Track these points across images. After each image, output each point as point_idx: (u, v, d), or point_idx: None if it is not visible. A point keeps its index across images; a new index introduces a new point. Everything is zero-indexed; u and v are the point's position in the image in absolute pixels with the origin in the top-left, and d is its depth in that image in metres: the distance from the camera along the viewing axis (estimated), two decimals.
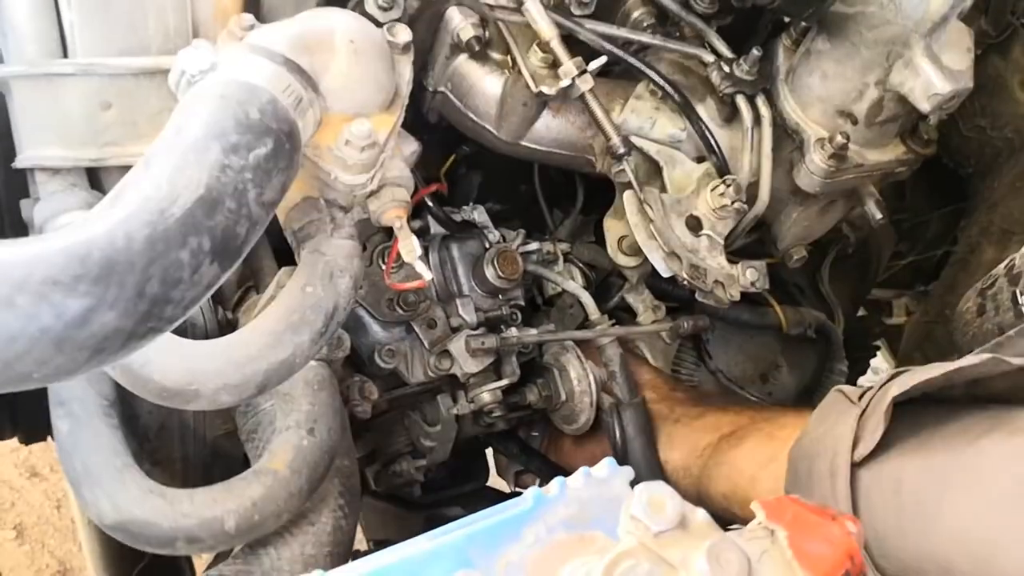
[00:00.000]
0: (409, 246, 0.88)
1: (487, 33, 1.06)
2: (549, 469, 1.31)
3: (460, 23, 1.04)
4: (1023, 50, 1.34)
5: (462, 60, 1.08)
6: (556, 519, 0.60)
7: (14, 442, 1.21)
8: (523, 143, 1.13)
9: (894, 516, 0.79)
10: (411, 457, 1.26)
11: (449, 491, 1.42)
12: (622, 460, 1.14)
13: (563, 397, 1.24)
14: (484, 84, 1.08)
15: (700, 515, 0.56)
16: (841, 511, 0.60)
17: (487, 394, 1.20)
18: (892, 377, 0.87)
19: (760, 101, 1.12)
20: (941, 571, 0.75)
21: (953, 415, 0.81)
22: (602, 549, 0.57)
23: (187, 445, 1.03)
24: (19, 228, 0.94)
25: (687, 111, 1.11)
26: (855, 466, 0.82)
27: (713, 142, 1.11)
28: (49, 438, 1.12)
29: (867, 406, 0.84)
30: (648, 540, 0.54)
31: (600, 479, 0.63)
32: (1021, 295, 1.02)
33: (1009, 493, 0.72)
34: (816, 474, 0.85)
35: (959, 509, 0.75)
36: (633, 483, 0.59)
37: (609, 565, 0.53)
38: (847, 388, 0.90)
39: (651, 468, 1.16)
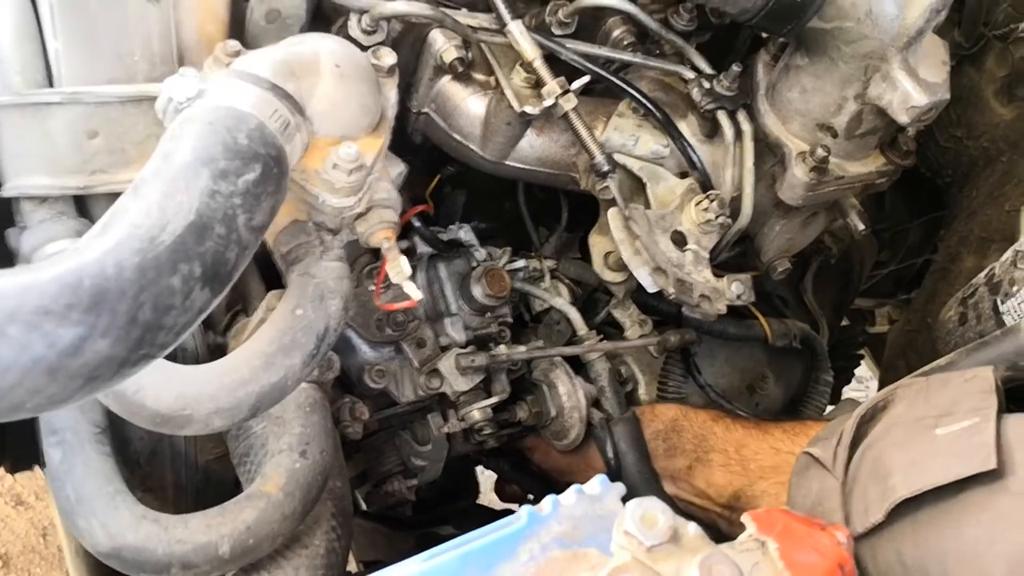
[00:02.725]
0: (398, 267, 0.89)
1: (470, 54, 1.07)
2: (540, 486, 1.31)
3: (443, 45, 1.05)
4: (996, 61, 1.36)
5: (446, 81, 1.09)
6: (550, 536, 0.61)
7: None
8: (507, 162, 1.13)
9: None
10: (402, 477, 1.26)
11: (439, 509, 1.42)
12: (615, 475, 1.15)
13: (553, 413, 1.25)
14: (468, 105, 1.09)
15: (692, 529, 0.57)
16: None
17: (477, 412, 1.21)
18: (862, 420, 0.87)
19: (741, 116, 1.13)
20: None
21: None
22: (596, 565, 0.58)
23: (179, 470, 1.03)
24: (3, 258, 0.94)
25: (669, 128, 1.12)
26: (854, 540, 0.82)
27: (695, 158, 1.12)
28: (36, 466, 1.12)
29: (845, 476, 0.84)
30: (641, 555, 0.55)
31: (592, 496, 0.63)
32: (1001, 304, 1.04)
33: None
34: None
35: None
36: (626, 498, 0.60)
37: None
38: (816, 451, 0.90)
39: (646, 481, 1.16)
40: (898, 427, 0.85)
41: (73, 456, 0.84)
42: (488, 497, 1.61)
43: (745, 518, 0.59)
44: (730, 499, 1.12)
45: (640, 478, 1.15)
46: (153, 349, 0.63)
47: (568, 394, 1.23)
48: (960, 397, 0.83)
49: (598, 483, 0.64)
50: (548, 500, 0.63)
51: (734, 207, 1.14)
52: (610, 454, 1.18)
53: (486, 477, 1.60)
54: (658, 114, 1.11)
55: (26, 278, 0.59)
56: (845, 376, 1.70)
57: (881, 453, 0.83)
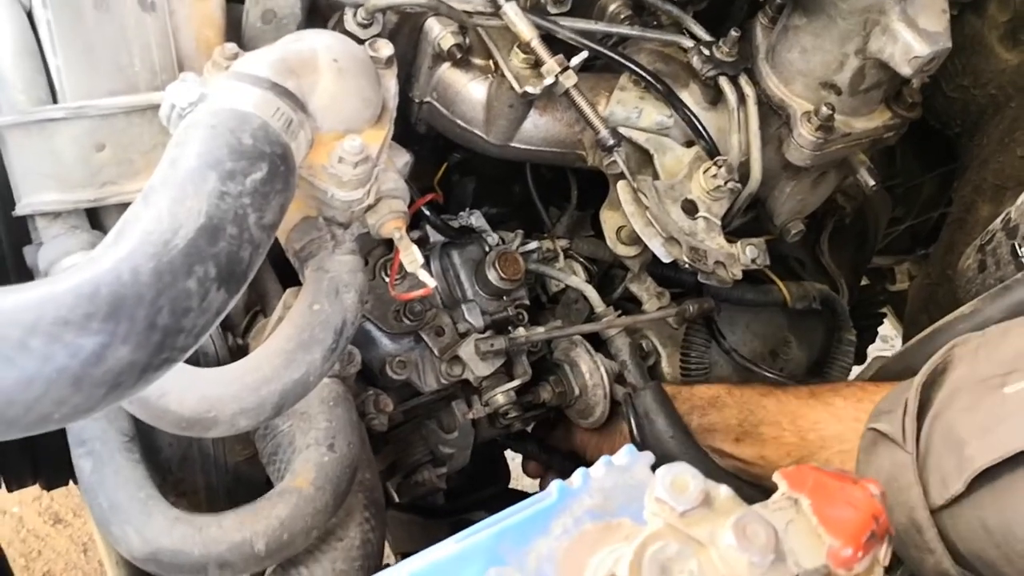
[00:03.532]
0: (411, 256, 0.89)
1: (467, 40, 1.06)
2: (570, 464, 1.31)
3: (440, 33, 1.05)
4: (998, 6, 1.34)
5: (445, 69, 1.09)
6: (582, 510, 0.61)
7: (36, 490, 1.22)
8: (513, 144, 1.13)
9: (993, 549, 0.78)
10: (431, 466, 1.26)
11: (472, 496, 1.43)
12: (643, 445, 1.14)
13: (576, 392, 1.25)
14: (469, 90, 1.09)
15: (724, 491, 0.57)
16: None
17: (501, 396, 1.21)
18: (924, 387, 0.85)
19: (743, 81, 1.12)
20: None
21: None
22: (630, 535, 0.58)
23: (209, 473, 1.04)
24: (24, 275, 0.95)
25: (671, 99, 1.11)
26: (933, 512, 0.82)
27: (700, 126, 1.12)
28: (71, 482, 1.13)
29: (917, 449, 0.83)
30: (674, 521, 0.55)
31: (621, 466, 0.63)
32: (1020, 247, 1.03)
33: None
34: (897, 525, 0.83)
35: None
36: (655, 466, 0.60)
37: (638, 549, 0.53)
38: (882, 426, 0.88)
39: (680, 443, 1.14)
40: (963, 391, 0.84)
41: (103, 465, 0.85)
42: (520, 482, 1.61)
43: (776, 476, 0.58)
44: None
45: (674, 442, 1.14)
46: (174, 353, 0.63)
47: (590, 372, 1.23)
48: (1023, 350, 0.82)
49: (626, 453, 0.64)
50: (578, 474, 0.63)
51: (743, 172, 1.14)
52: (635, 425, 1.17)
53: (516, 463, 1.61)
54: (659, 86, 1.10)
55: (44, 291, 0.59)
56: (869, 335, 1.69)
57: (952, 422, 0.82)
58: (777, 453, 1.10)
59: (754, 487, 1.10)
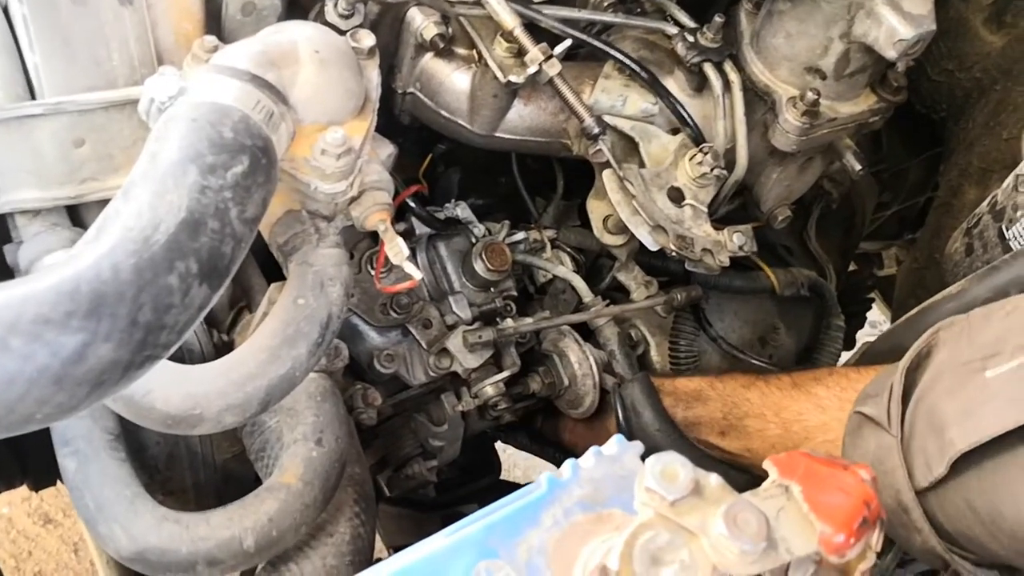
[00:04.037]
0: (396, 248, 0.89)
1: (450, 30, 1.06)
2: (561, 455, 1.31)
3: (422, 23, 1.04)
4: None
5: (428, 59, 1.08)
6: (572, 501, 0.60)
7: (25, 491, 1.21)
8: (498, 134, 1.13)
9: (979, 527, 0.79)
10: (421, 459, 1.26)
11: (463, 489, 1.42)
12: (630, 438, 1.14)
13: (566, 382, 1.25)
14: (453, 80, 1.08)
15: (714, 479, 0.57)
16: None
17: (490, 387, 1.21)
18: (909, 371, 0.86)
19: (728, 67, 1.12)
20: None
21: None
22: (621, 525, 0.57)
23: (197, 471, 1.03)
24: (5, 274, 0.94)
25: (655, 86, 1.11)
26: (919, 493, 0.82)
27: (685, 113, 1.11)
28: (59, 482, 1.12)
29: (902, 431, 0.84)
30: (665, 510, 0.54)
31: (611, 457, 0.63)
32: (1007, 230, 1.03)
33: None
34: (884, 506, 0.84)
35: None
36: (644, 456, 0.60)
37: (629, 539, 0.53)
38: (868, 409, 0.89)
39: (667, 435, 1.15)
40: (946, 374, 0.84)
41: (88, 464, 0.84)
42: (511, 473, 1.61)
43: (767, 464, 0.58)
44: None
45: (660, 435, 1.14)
46: (157, 349, 0.62)
47: (579, 362, 1.23)
48: (1004, 334, 0.82)
49: (615, 443, 0.63)
50: (567, 465, 0.62)
51: (729, 159, 1.13)
52: (623, 418, 1.17)
53: (508, 455, 1.61)
54: (643, 73, 1.10)
55: (23, 289, 0.58)
56: (857, 321, 1.69)
57: (934, 404, 0.82)
58: (763, 446, 1.10)
59: (745, 473, 1.10)
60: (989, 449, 0.76)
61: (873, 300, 1.83)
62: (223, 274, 0.67)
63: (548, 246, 1.31)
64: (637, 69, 1.09)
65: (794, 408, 1.09)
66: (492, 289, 1.23)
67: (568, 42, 1.06)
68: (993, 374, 0.79)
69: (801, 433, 1.07)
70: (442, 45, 1.05)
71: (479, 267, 1.20)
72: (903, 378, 0.86)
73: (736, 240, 1.13)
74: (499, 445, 1.53)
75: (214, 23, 0.93)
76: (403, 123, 1.16)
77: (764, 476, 0.58)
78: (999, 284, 0.93)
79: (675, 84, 1.13)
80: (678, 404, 1.19)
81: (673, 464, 0.56)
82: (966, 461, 0.78)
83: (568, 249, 1.32)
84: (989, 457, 0.77)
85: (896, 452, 0.83)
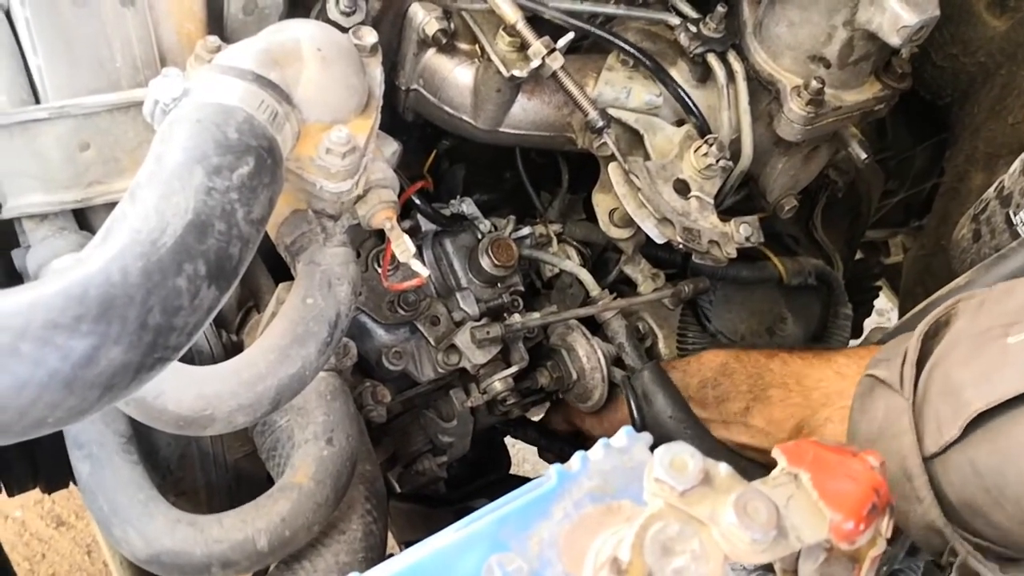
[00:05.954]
0: (402, 245, 0.89)
1: (452, 25, 1.06)
2: (571, 448, 1.31)
3: (424, 18, 1.04)
4: None
5: (431, 55, 1.08)
6: (582, 493, 0.60)
7: (37, 494, 1.22)
8: (502, 129, 1.13)
9: (983, 493, 0.78)
10: (431, 455, 1.26)
11: (473, 484, 1.43)
12: (643, 426, 1.14)
13: (574, 376, 1.25)
14: (456, 76, 1.08)
15: (723, 469, 0.57)
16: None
17: (498, 383, 1.21)
18: (926, 337, 0.85)
19: (731, 57, 1.12)
20: None
21: None
22: (631, 516, 0.57)
23: (209, 472, 1.03)
24: (13, 279, 0.94)
25: (660, 76, 1.11)
26: (925, 460, 0.81)
27: (690, 103, 1.11)
28: (72, 484, 1.13)
29: (915, 395, 0.82)
30: (675, 500, 0.54)
31: (620, 448, 0.63)
32: (1014, 215, 1.03)
33: None
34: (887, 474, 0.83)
35: None
36: (654, 446, 0.60)
37: (640, 530, 0.53)
38: (880, 372, 0.88)
39: (679, 422, 1.14)
40: (964, 342, 0.83)
41: (102, 468, 0.85)
42: (521, 468, 1.61)
43: (776, 452, 0.58)
44: (792, 432, 1.09)
45: (673, 422, 1.14)
46: (167, 352, 0.63)
47: (587, 355, 1.23)
48: None
49: (624, 435, 0.63)
50: (577, 457, 0.62)
51: (734, 149, 1.13)
52: (635, 407, 1.17)
53: (517, 449, 1.61)
54: (648, 62, 1.10)
55: (32, 294, 0.59)
56: (865, 309, 1.69)
57: (950, 370, 0.81)
58: (783, 414, 1.10)
59: (756, 466, 1.10)
60: (1001, 410, 0.75)
61: (880, 288, 1.83)
62: (231, 275, 0.67)
63: (554, 240, 1.31)
64: (641, 58, 1.09)
65: (814, 376, 1.09)
66: (499, 284, 1.23)
67: (571, 35, 1.06)
68: (1015, 340, 0.78)
69: (820, 399, 1.06)
70: (444, 41, 1.05)
71: (485, 263, 1.20)
72: (919, 344, 0.85)
73: (743, 231, 1.13)
74: (508, 440, 1.53)
75: (216, 23, 0.94)
76: (407, 120, 1.16)
77: (774, 465, 0.58)
78: (1008, 272, 0.92)
79: (679, 75, 1.13)
80: (706, 384, 1.19)
81: (682, 454, 0.56)
82: (976, 424, 0.77)
83: (574, 243, 1.32)
84: (1000, 417, 0.76)
85: (907, 415, 0.82)
